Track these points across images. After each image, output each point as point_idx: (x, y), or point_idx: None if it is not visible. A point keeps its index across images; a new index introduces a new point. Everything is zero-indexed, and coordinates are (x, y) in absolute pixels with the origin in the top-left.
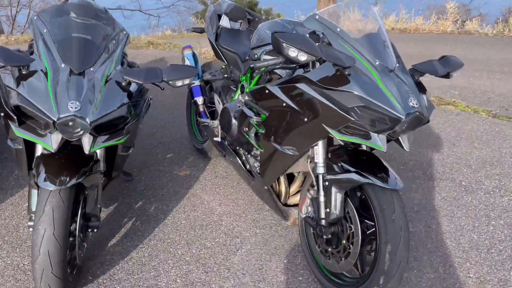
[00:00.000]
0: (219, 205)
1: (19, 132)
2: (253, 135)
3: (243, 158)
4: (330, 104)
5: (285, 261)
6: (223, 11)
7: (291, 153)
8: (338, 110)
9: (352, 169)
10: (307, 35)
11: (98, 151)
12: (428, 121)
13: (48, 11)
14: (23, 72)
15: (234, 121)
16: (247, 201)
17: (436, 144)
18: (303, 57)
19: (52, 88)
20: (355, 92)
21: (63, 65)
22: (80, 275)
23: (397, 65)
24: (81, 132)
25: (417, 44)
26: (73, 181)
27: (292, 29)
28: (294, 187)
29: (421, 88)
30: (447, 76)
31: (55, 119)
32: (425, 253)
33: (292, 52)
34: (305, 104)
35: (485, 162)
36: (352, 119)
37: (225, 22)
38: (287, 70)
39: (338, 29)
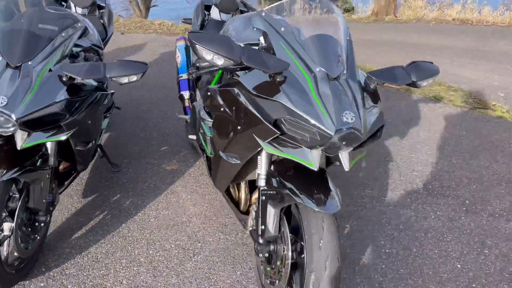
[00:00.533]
0: (193, 205)
1: None
2: (208, 137)
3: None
4: (257, 114)
5: (238, 272)
6: (213, 1)
7: (233, 162)
8: (264, 121)
9: (288, 185)
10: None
11: (48, 145)
12: (379, 137)
13: None
14: None
15: (199, 121)
16: (222, 203)
17: (451, 154)
18: (219, 61)
19: None
20: (282, 102)
21: (0, 58)
22: (28, 266)
23: (344, 72)
24: (10, 128)
25: (473, 38)
26: (5, 177)
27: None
28: (256, 195)
29: (373, 100)
30: (413, 85)
31: None
32: (393, 280)
33: (207, 55)
34: (239, 111)
35: (502, 179)
36: (278, 132)
37: (215, 13)
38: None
39: (282, 29)
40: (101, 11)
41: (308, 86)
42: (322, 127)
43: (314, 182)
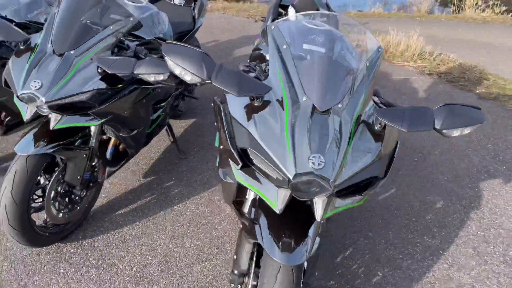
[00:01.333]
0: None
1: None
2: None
3: None
4: (227, 139)
5: None
6: (291, 1)
7: (226, 180)
8: (231, 147)
9: (260, 220)
10: (202, 51)
11: (92, 128)
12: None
13: None
14: (21, 47)
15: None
16: None
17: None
18: (187, 77)
19: (29, 66)
20: (250, 131)
21: (49, 45)
22: (65, 231)
23: (339, 106)
24: (42, 109)
25: None
26: (39, 151)
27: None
28: None
29: (371, 144)
30: (439, 132)
31: (18, 93)
32: None
33: (175, 69)
34: (221, 130)
35: None
36: (240, 163)
37: (291, 13)
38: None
39: (284, 47)
40: (196, 2)
41: (284, 118)
42: (282, 168)
43: (289, 225)
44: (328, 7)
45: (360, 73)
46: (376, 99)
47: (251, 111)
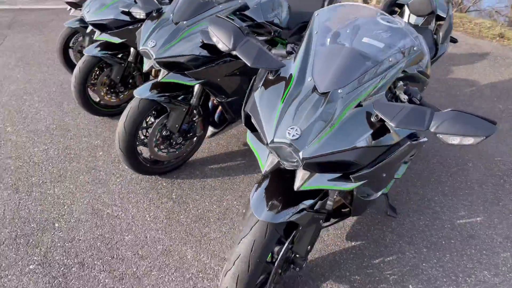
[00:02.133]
0: None
1: None
2: None
3: None
4: (243, 101)
5: None
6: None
7: None
8: (243, 109)
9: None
10: (237, 26)
11: (195, 88)
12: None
13: None
14: (153, 14)
15: None
16: None
17: None
18: (220, 45)
19: (153, 29)
20: (255, 99)
21: (171, 15)
22: (161, 168)
23: (339, 91)
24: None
25: None
26: (149, 97)
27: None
28: None
29: (365, 128)
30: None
31: (139, 48)
32: None
33: (212, 37)
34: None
35: None
36: (243, 122)
37: (405, 13)
38: None
39: (315, 32)
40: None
41: (284, 92)
42: (265, 133)
43: (281, 193)
44: (447, 7)
45: (381, 66)
46: (403, 96)
47: (264, 82)
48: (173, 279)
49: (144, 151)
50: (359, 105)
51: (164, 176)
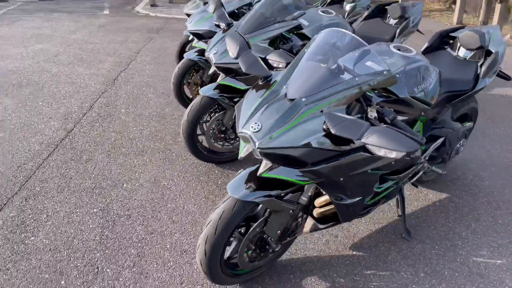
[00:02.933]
0: None
1: None
2: None
3: None
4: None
5: None
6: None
7: None
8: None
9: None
10: (246, 40)
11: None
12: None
13: None
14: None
15: None
16: None
17: None
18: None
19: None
20: (244, 98)
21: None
22: (217, 158)
23: (303, 99)
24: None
25: None
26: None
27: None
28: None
29: (316, 131)
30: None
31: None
32: None
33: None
34: None
35: None
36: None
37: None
38: None
39: (306, 50)
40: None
41: (264, 93)
42: (238, 124)
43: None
44: (501, 44)
45: (347, 84)
46: (372, 113)
47: (254, 86)
48: (189, 243)
49: (204, 141)
50: (321, 112)
51: (219, 165)
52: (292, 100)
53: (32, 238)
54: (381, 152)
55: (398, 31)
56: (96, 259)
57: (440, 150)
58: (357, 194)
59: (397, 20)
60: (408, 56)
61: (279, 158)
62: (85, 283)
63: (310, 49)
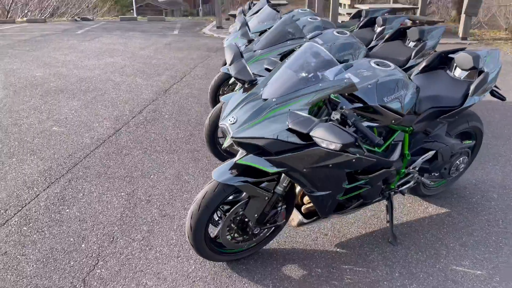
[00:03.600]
0: None
1: None
2: None
3: None
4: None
5: None
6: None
7: None
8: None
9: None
10: (239, 50)
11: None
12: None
13: None
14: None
15: None
16: None
17: None
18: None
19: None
20: (235, 94)
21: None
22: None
23: (274, 100)
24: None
25: None
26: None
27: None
28: None
29: (278, 126)
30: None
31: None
32: None
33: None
34: None
35: None
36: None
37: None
38: None
39: (286, 60)
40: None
41: (247, 93)
42: (221, 116)
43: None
44: (496, 65)
45: (311, 89)
46: (335, 115)
47: (242, 87)
48: None
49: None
50: (289, 110)
51: None
52: (265, 100)
53: (67, 210)
54: (323, 144)
55: (413, 53)
56: (113, 231)
57: (433, 163)
58: (326, 188)
59: (415, 42)
60: (384, 70)
61: (250, 147)
62: (100, 248)
63: (290, 59)
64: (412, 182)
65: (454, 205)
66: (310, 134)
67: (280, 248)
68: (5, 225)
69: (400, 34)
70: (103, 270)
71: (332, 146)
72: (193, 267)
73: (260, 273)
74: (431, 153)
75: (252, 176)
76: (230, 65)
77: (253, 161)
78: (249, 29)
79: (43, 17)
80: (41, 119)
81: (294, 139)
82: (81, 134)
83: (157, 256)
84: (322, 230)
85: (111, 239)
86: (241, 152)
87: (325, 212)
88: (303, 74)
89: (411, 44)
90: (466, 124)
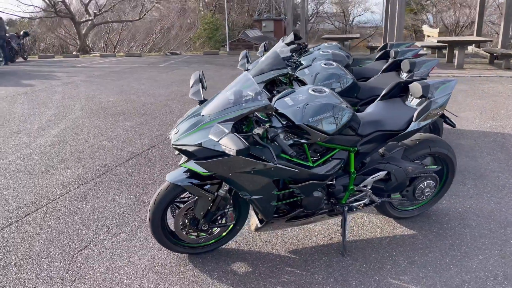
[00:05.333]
0: None
1: None
2: None
3: None
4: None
5: None
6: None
7: None
8: None
9: None
10: (200, 77)
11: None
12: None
13: None
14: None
15: None
16: None
17: None
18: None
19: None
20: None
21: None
22: None
23: (208, 116)
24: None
25: None
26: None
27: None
28: None
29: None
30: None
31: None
32: None
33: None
34: None
35: None
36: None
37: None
38: None
39: (234, 81)
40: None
41: (194, 111)
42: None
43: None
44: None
45: (236, 108)
46: (257, 131)
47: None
48: None
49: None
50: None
51: None
52: (203, 115)
53: (84, 205)
54: (226, 150)
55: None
56: (111, 224)
57: (387, 184)
58: (257, 193)
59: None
60: (315, 95)
61: (186, 153)
62: (96, 235)
63: (230, 84)
64: (367, 200)
65: (424, 228)
66: (219, 142)
67: (239, 248)
68: (35, 212)
69: (397, 66)
70: (90, 251)
71: (231, 152)
72: (160, 255)
73: (211, 266)
74: (382, 173)
75: (200, 179)
76: (190, 87)
77: (192, 164)
78: (248, 61)
79: (139, 52)
80: (97, 135)
81: (218, 147)
82: (122, 148)
83: (136, 245)
84: (284, 238)
85: (107, 229)
86: (184, 157)
87: (266, 216)
88: (233, 97)
89: (404, 75)
90: (427, 149)
